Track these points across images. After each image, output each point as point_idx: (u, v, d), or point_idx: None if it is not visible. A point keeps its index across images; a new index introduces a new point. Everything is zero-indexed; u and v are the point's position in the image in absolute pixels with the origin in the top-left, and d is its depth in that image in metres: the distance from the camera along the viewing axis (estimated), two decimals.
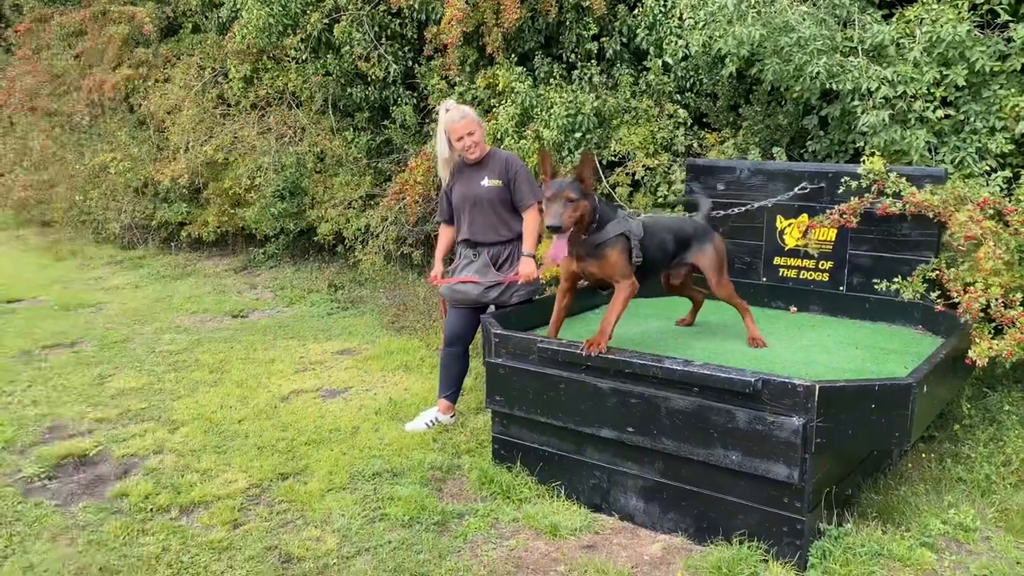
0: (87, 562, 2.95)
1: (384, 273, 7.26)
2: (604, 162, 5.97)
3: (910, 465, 3.65)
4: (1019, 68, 4.45)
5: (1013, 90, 4.46)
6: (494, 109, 6.32)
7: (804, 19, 4.53)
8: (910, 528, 3.16)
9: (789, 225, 4.59)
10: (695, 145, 5.92)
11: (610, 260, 3.38)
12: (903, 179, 4.13)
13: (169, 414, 4.50)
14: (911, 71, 4.54)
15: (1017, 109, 4.39)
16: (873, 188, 4.20)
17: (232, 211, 8.73)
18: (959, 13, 4.53)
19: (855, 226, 4.18)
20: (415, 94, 7.48)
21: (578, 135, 5.86)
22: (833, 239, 4.45)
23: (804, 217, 4.51)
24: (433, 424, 4.29)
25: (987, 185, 4.35)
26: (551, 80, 6.22)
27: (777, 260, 4.66)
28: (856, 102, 4.65)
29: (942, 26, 4.48)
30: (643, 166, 5.73)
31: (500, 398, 3.59)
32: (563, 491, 3.49)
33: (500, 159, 4.15)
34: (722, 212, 4.62)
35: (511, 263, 4.14)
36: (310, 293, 7.80)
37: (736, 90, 5.82)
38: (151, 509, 3.39)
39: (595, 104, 5.83)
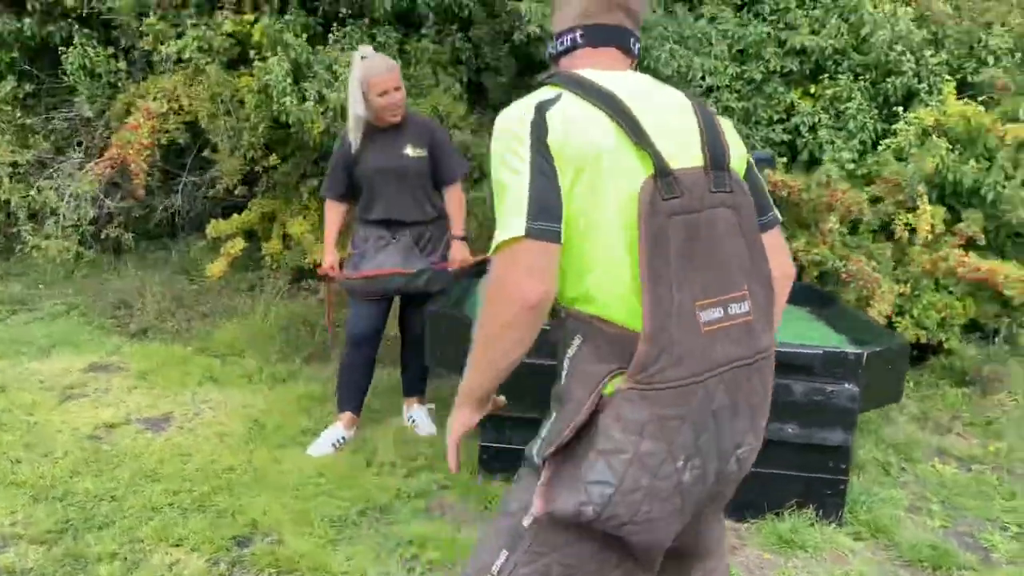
0: None
1: (76, 262, 5.64)
2: None
3: None
4: (793, 69, 5.24)
5: (785, 88, 5.23)
6: (254, 63, 5.32)
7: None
8: (875, 472, 3.59)
9: None
10: (473, 123, 5.74)
11: None
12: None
13: None
14: (718, 64, 5.03)
15: (796, 105, 5.17)
16: None
17: None
18: (751, 16, 5.16)
19: None
20: (100, 33, 5.88)
21: None
22: None
23: None
24: (341, 444, 3.54)
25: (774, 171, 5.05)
26: (306, 34, 5.42)
27: None
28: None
29: (744, 26, 5.06)
30: None
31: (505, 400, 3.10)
32: None
33: (420, 123, 3.56)
34: None
35: (433, 245, 3.59)
36: None
37: (522, 65, 5.78)
38: None
39: None
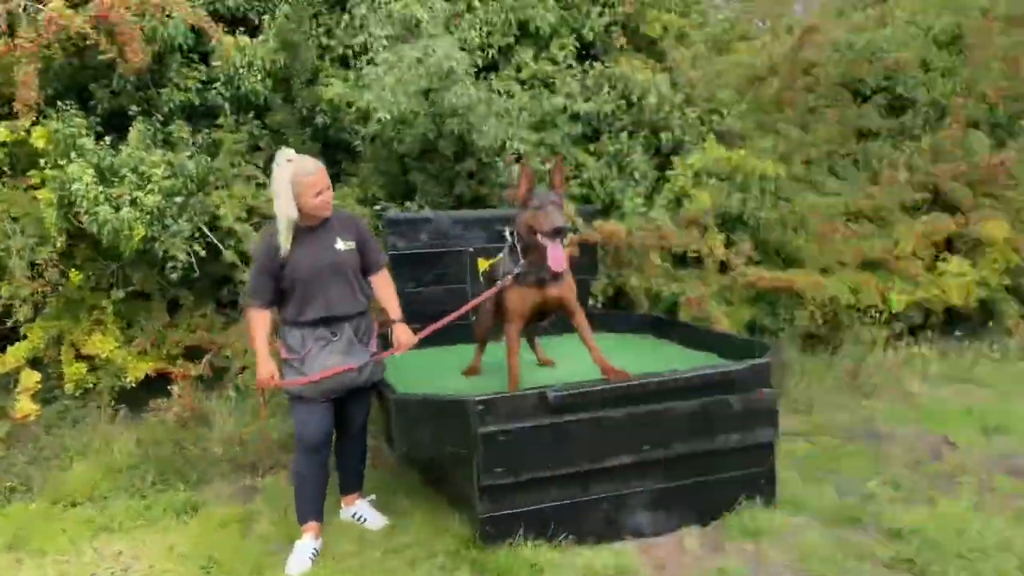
0: None
1: None
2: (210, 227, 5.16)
3: None
4: (578, 132, 5.95)
5: (575, 148, 5.94)
6: (33, 171, 4.75)
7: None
8: None
9: (489, 264, 5.09)
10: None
11: (570, 283, 3.54)
12: (579, 217, 5.17)
13: None
14: (525, 134, 5.57)
15: (585, 163, 5.88)
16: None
17: None
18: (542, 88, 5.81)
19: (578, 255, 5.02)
20: None
21: (179, 199, 4.95)
22: None
23: (500, 257, 5.07)
24: (315, 555, 3.39)
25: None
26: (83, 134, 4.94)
27: None
28: (497, 157, 5.44)
29: (537, 99, 5.69)
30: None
31: (502, 469, 3.26)
32: (571, 538, 3.40)
33: (343, 217, 3.57)
34: None
35: (368, 335, 3.61)
36: None
37: (324, 147, 5.82)
38: None
39: (198, 166, 5.03)
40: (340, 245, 3.47)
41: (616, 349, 4.14)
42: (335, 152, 5.95)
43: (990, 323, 6.52)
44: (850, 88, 6.97)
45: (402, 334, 3.62)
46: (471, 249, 5.03)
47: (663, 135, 5.86)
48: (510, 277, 3.60)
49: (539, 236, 3.42)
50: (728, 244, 5.70)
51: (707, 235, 5.45)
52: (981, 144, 6.47)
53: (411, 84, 4.75)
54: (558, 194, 3.49)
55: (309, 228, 3.43)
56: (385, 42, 4.98)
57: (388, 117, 4.74)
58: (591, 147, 6.05)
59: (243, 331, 5.24)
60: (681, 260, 5.66)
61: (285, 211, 3.32)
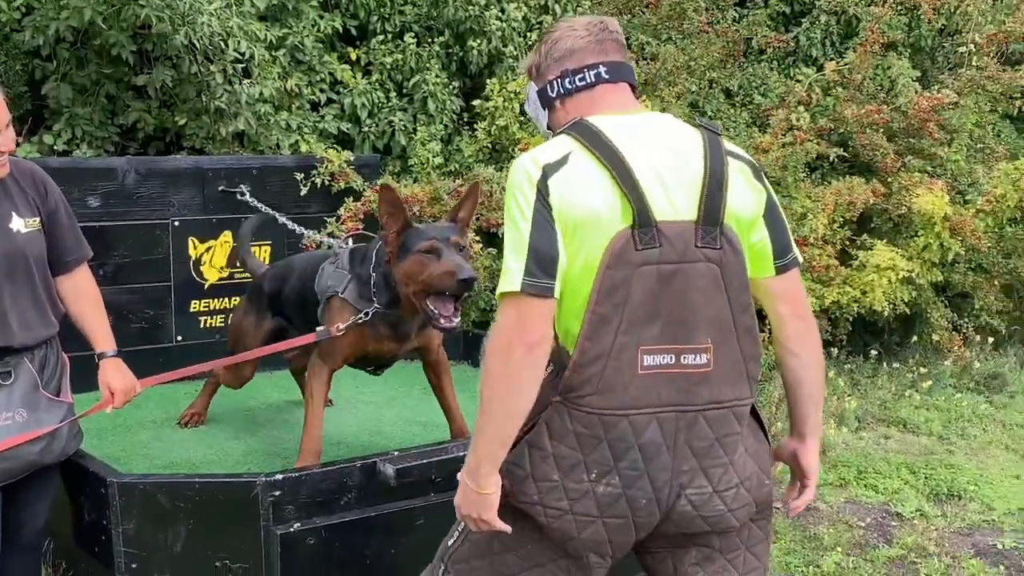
0: None
1: None
2: None
3: None
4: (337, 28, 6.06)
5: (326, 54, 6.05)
6: None
7: None
8: None
9: (208, 250, 5.05)
10: None
11: None
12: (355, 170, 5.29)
13: None
14: (253, 26, 5.59)
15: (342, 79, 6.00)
16: (329, 183, 5.21)
17: None
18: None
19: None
20: None
21: None
22: (268, 260, 5.17)
23: (227, 236, 5.05)
24: None
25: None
26: None
27: (195, 305, 5.05)
28: (210, 64, 5.41)
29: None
30: None
31: None
32: None
33: (24, 172, 3.41)
34: None
35: (59, 376, 3.49)
36: None
37: None
38: None
39: None
40: (17, 224, 3.31)
41: None
42: None
43: (913, 338, 7.51)
44: None
45: (117, 377, 3.54)
46: (176, 223, 4.98)
47: (473, 43, 6.12)
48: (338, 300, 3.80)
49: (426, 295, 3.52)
50: None
51: None
52: (906, 77, 7.39)
53: None
54: (460, 230, 3.66)
55: None
56: None
57: None
58: (355, 54, 6.19)
59: None
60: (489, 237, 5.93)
61: None
